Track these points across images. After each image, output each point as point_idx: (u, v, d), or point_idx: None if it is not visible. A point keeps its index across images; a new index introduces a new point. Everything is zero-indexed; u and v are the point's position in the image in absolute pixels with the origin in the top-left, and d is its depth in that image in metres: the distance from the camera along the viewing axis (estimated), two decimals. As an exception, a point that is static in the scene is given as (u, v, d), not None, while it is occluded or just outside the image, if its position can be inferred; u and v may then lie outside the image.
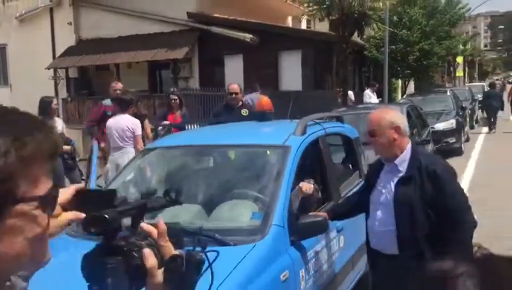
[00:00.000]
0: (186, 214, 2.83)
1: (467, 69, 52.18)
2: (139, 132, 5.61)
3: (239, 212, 2.83)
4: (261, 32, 16.69)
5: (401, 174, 2.77)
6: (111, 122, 5.60)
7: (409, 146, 2.79)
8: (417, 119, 9.20)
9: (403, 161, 2.77)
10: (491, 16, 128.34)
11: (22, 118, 0.79)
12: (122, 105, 5.58)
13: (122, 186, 3.11)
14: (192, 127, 6.72)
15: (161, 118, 7.03)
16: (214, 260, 1.04)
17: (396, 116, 2.82)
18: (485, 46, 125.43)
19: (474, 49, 58.88)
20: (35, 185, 0.77)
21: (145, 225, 1.01)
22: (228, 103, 6.22)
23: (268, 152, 3.22)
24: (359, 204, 3.10)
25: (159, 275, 0.95)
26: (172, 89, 8.66)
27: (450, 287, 0.60)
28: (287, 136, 3.25)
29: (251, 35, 16.38)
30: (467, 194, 2.87)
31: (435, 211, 2.63)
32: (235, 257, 2.32)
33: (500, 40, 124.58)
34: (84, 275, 0.96)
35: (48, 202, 0.80)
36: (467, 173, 9.38)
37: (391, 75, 18.11)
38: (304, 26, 23.65)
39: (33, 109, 9.70)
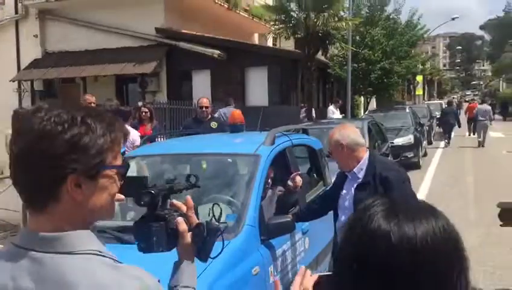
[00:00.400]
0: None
1: (426, 87, 54.18)
2: (138, 142, 5.78)
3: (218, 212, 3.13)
4: (228, 48, 17.07)
5: (359, 181, 3.12)
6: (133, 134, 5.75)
7: (366, 155, 3.14)
8: (377, 134, 9.71)
9: (360, 169, 3.12)
10: (449, 36, 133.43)
11: (108, 114, 1.17)
12: (123, 117, 5.72)
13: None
14: (163, 139, 6.92)
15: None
16: (225, 229, 1.47)
17: (342, 134, 3.14)
18: (444, 65, 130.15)
19: (434, 68, 61.15)
20: (116, 158, 1.13)
21: (175, 201, 1.42)
22: (198, 116, 6.50)
23: (240, 160, 3.52)
24: (319, 209, 3.47)
25: (188, 237, 1.35)
26: (142, 102, 8.86)
27: None
28: (258, 146, 3.56)
29: (219, 51, 16.72)
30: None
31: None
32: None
33: (458, 60, 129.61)
34: (135, 236, 1.35)
35: (122, 171, 1.14)
36: (423, 186, 9.92)
37: (354, 92, 18.78)
38: (270, 43, 24.23)
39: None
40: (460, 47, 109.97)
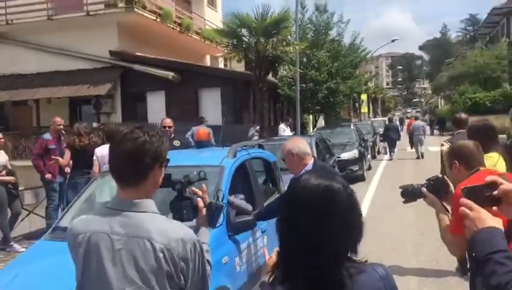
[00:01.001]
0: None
1: (371, 105, 56.65)
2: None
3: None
4: (182, 70, 17.68)
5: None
6: (101, 150, 6.26)
7: (311, 162, 3.85)
8: (324, 149, 10.56)
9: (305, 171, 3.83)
10: (391, 56, 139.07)
11: (153, 128, 1.87)
12: (109, 136, 6.34)
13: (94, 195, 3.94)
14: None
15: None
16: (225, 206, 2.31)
17: (293, 145, 3.85)
18: (387, 84, 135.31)
19: (377, 87, 63.91)
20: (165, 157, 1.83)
21: (193, 188, 2.17)
22: None
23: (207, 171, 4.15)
24: (275, 208, 4.14)
25: (204, 211, 2.10)
26: (96, 124, 9.32)
27: None
28: (222, 158, 4.21)
29: (173, 73, 17.30)
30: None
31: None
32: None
33: (400, 79, 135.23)
34: (171, 210, 2.09)
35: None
36: (367, 196, 10.81)
37: (303, 110, 19.77)
38: (221, 65, 25.02)
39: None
40: (401, 66, 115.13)
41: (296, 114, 17.18)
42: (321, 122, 25.09)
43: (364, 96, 40.94)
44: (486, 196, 1.41)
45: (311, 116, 23.36)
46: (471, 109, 28.17)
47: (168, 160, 1.87)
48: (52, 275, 3.07)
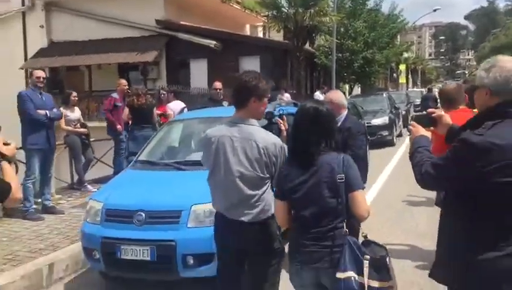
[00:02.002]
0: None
1: (410, 76, 56.05)
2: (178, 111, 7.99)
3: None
4: (223, 39, 18.57)
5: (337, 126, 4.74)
6: (173, 105, 8.21)
7: (345, 113, 4.74)
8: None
9: (339, 119, 4.73)
10: (435, 26, 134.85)
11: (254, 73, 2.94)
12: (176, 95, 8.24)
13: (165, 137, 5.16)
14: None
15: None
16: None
17: (334, 95, 4.73)
18: (430, 55, 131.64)
19: (417, 57, 62.99)
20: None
21: (277, 118, 3.51)
22: (212, 96, 8.08)
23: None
24: None
25: (285, 132, 3.30)
26: (160, 86, 10.42)
27: None
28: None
29: (215, 42, 18.23)
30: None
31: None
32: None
33: (443, 50, 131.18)
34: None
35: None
36: (394, 159, 11.62)
37: (339, 79, 20.43)
38: (260, 34, 25.73)
39: (2, 105, 10.31)
40: (443, 37, 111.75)
41: (332, 83, 17.90)
42: (357, 91, 25.63)
43: (402, 67, 40.79)
44: (428, 119, 2.38)
45: (347, 86, 23.97)
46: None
47: (269, 96, 2.92)
48: (137, 185, 4.27)
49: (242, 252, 2.89)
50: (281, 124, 3.45)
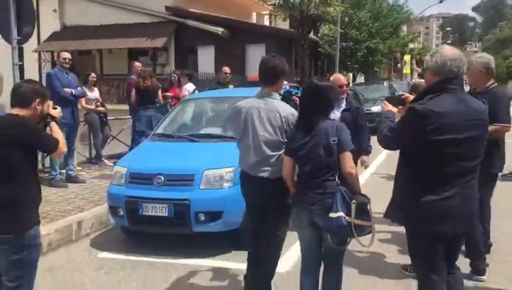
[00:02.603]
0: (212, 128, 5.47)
1: (415, 66, 56.31)
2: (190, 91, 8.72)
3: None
4: (231, 26, 19.13)
5: (343, 107, 5.32)
6: (188, 87, 8.91)
7: (347, 92, 5.33)
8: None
9: (343, 99, 5.33)
10: (443, 17, 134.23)
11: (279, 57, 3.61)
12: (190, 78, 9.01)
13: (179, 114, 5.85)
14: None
15: (164, 91, 9.48)
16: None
17: (336, 77, 5.33)
18: (437, 46, 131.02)
19: (423, 48, 63.10)
20: None
21: (294, 96, 4.43)
22: (220, 80, 8.79)
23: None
24: None
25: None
26: (172, 70, 11.05)
27: None
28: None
29: (222, 29, 18.80)
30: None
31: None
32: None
33: (449, 42, 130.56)
34: None
35: None
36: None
37: (342, 68, 20.97)
38: (266, 22, 26.25)
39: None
40: (450, 28, 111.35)
41: (335, 71, 18.44)
42: (361, 80, 26.16)
43: (407, 57, 41.16)
44: (398, 100, 3.05)
45: (350, 74, 24.51)
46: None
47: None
48: (156, 153, 4.96)
49: (261, 208, 3.48)
50: (297, 100, 4.25)
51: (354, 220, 2.90)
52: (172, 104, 8.80)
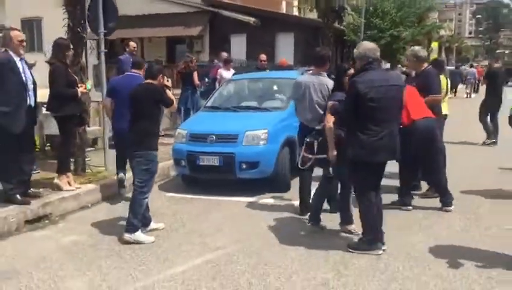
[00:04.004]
0: (250, 102, 7.05)
1: (444, 54, 56.37)
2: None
3: (275, 101, 7.06)
4: (262, 16, 20.59)
5: None
6: (225, 73, 10.22)
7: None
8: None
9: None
10: (476, 3, 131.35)
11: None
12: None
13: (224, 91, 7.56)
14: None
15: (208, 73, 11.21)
16: None
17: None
18: (470, 33, 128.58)
19: (452, 36, 62.98)
20: None
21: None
22: (259, 66, 10.50)
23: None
24: None
25: None
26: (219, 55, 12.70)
27: None
28: (299, 75, 7.36)
29: (254, 19, 20.26)
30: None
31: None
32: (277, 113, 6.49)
33: (481, 28, 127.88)
34: None
35: None
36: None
37: (367, 56, 22.08)
38: (295, 11, 27.58)
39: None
40: (479, 16, 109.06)
41: (359, 58, 19.69)
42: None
43: (435, 44, 41.58)
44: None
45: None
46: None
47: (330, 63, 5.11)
48: (209, 119, 6.61)
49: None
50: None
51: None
52: (211, 85, 10.53)
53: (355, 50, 4.32)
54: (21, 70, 5.02)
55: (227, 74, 9.94)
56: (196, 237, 4.79)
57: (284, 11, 26.29)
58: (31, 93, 5.13)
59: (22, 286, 3.74)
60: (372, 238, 4.23)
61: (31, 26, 22.84)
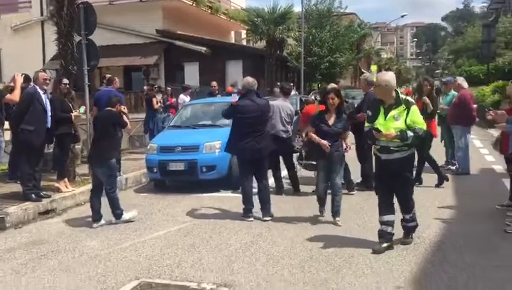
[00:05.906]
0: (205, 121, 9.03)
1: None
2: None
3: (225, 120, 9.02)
4: (212, 45, 22.70)
5: None
6: (182, 97, 12.36)
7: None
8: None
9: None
10: (416, 26, 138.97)
11: None
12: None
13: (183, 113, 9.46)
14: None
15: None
16: None
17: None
18: (411, 54, 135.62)
19: (390, 58, 67.57)
20: None
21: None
22: (211, 91, 12.46)
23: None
24: None
25: None
26: (146, 87, 14.55)
27: None
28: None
29: (205, 48, 22.33)
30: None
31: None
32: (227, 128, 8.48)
33: (418, 50, 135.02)
34: None
35: None
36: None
37: (309, 79, 24.63)
38: (244, 40, 30.00)
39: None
40: (416, 39, 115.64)
41: (300, 81, 22.16)
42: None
43: (374, 68, 45.23)
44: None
45: (315, 84, 28.34)
46: (467, 80, 32.64)
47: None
48: (174, 135, 8.49)
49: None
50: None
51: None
52: (169, 112, 12.39)
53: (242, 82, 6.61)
54: (43, 100, 6.80)
55: (186, 98, 11.92)
56: (169, 217, 6.66)
57: (233, 41, 28.59)
58: (49, 118, 6.90)
59: (54, 247, 5.47)
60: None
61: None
